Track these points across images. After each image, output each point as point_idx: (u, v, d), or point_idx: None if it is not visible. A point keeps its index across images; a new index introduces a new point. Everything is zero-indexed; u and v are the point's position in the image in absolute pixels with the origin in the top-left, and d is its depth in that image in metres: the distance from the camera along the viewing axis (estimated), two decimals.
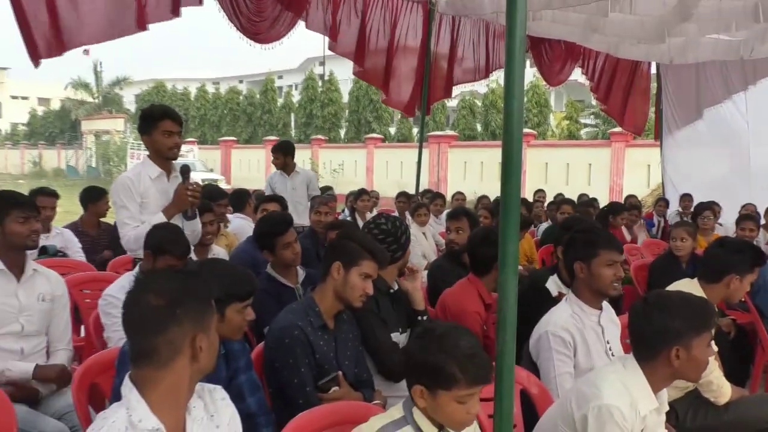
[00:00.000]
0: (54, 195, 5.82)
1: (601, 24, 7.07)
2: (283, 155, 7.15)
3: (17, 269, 3.24)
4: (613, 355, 3.05)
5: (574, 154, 20.55)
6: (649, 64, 9.87)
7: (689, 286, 3.46)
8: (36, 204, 3.49)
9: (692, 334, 2.30)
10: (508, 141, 2.03)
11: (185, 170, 4.01)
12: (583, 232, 3.39)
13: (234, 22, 5.43)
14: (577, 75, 9.19)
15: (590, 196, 9.91)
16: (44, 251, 5.20)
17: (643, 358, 2.37)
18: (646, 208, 10.82)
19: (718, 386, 3.28)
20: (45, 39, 4.56)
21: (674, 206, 9.80)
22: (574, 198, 8.91)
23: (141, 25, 4.82)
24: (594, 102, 25.85)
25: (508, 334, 2.03)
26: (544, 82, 9.18)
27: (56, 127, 47.90)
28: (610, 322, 3.19)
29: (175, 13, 4.98)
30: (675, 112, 10.13)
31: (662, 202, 9.81)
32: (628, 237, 7.54)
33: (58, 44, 4.60)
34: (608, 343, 3.10)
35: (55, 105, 54.33)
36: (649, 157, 16.43)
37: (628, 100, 9.66)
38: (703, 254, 3.90)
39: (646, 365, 2.36)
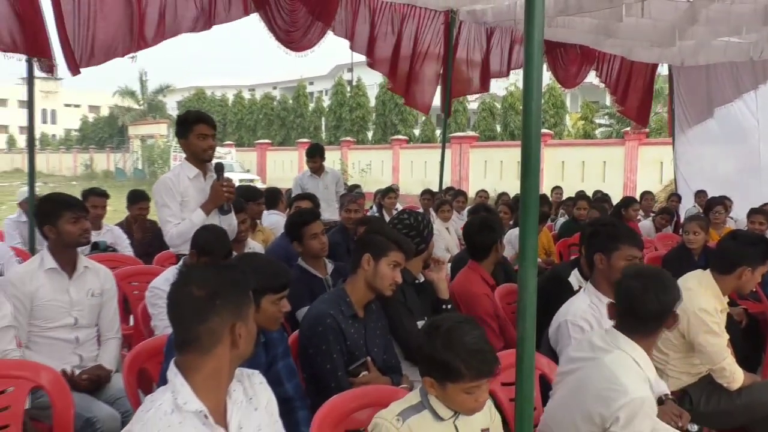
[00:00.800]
0: (104, 195, 5.91)
1: (614, 28, 6.97)
2: (321, 158, 7.19)
3: (69, 267, 3.29)
4: None
5: (589, 152, 20.33)
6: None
7: (702, 276, 3.40)
8: (85, 205, 3.54)
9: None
10: (527, 140, 2.01)
11: (219, 168, 4.07)
12: (606, 225, 3.35)
13: (272, 33, 5.55)
14: (592, 77, 9.08)
15: (605, 193, 9.80)
16: (96, 247, 5.29)
17: (635, 331, 2.37)
18: (659, 203, 10.67)
19: (731, 372, 3.22)
20: (83, 50, 4.65)
21: (686, 201, 9.64)
22: (590, 194, 8.85)
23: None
24: (608, 103, 25.63)
25: (528, 322, 2.02)
26: (560, 85, 9.07)
27: (105, 132, 48.52)
28: None
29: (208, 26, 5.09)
30: (687, 112, 9.95)
31: (674, 197, 9.66)
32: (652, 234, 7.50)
33: (93, 56, 4.70)
34: None
35: (104, 112, 55.06)
36: (662, 155, 16.20)
37: (641, 98, 9.52)
38: (716, 246, 3.83)
39: (640, 338, 2.36)
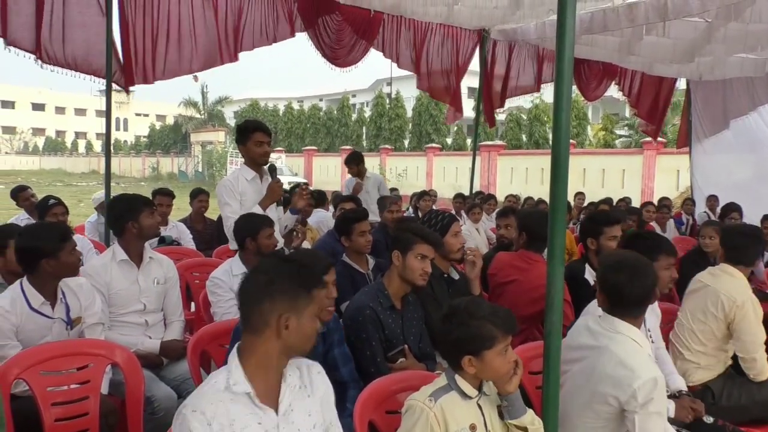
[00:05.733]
0: (171, 195, 6.05)
1: (636, 46, 6.83)
2: (356, 165, 7.21)
3: (137, 258, 3.37)
4: (653, 341, 2.95)
5: (609, 161, 19.95)
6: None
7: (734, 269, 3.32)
8: (154, 201, 3.63)
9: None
10: (556, 149, 1.99)
11: (273, 169, 4.18)
12: (645, 237, 3.25)
13: (319, 50, 5.59)
14: (612, 91, 8.92)
15: (626, 197, 9.66)
16: (162, 240, 5.41)
17: (627, 315, 2.35)
18: (675, 209, 10.41)
19: (762, 365, 3.13)
20: (141, 69, 4.80)
21: (701, 207, 9.42)
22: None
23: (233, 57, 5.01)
24: (628, 114, 25.12)
25: (556, 315, 2.00)
26: (583, 98, 8.92)
27: (170, 138, 49.35)
28: (651, 312, 3.07)
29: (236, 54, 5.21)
30: (703, 123, 9.67)
31: (689, 202, 9.43)
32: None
33: (152, 74, 4.84)
34: (649, 330, 2.98)
35: (170, 120, 56.19)
36: (679, 163, 15.79)
37: (659, 110, 9.31)
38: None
39: (632, 320, 2.35)
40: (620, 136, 25.88)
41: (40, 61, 4.35)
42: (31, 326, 2.78)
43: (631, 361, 2.22)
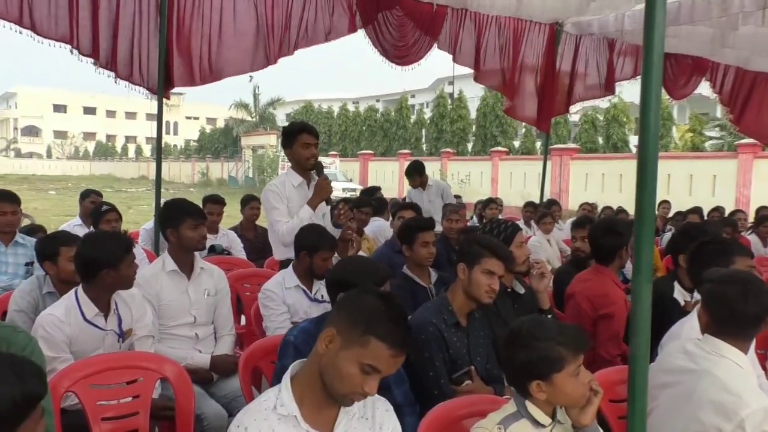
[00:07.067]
0: (221, 202, 6.19)
1: (730, 38, 6.57)
2: (419, 176, 7.20)
3: (187, 269, 3.44)
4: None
5: (698, 165, 19.21)
6: None
7: None
8: (204, 213, 3.70)
9: None
10: (643, 152, 1.93)
11: (319, 166, 4.18)
12: (713, 243, 3.15)
13: (377, 48, 5.61)
14: (702, 88, 8.58)
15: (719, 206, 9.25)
16: (212, 250, 5.54)
17: (734, 337, 2.23)
18: None
19: None
20: (189, 70, 4.94)
21: None
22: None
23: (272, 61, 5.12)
24: (719, 114, 24.17)
25: (642, 338, 1.93)
26: (668, 96, 8.63)
27: (221, 142, 50.68)
28: None
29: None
30: None
31: None
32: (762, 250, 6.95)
33: (200, 76, 4.96)
34: None
35: (220, 124, 57.87)
36: None
37: (759, 111, 8.87)
38: None
39: (740, 344, 2.23)
40: (710, 138, 24.93)
41: (99, 67, 4.54)
42: (84, 338, 2.88)
43: (738, 386, 2.12)
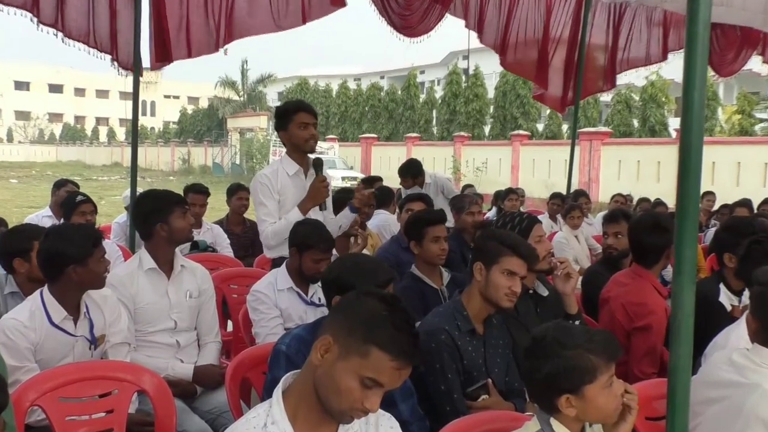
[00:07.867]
0: (205, 192, 6.18)
1: None
2: (413, 178, 7.18)
3: (167, 266, 3.45)
4: None
5: (747, 151, 19.15)
6: None
7: None
8: (186, 199, 3.72)
9: None
10: (686, 136, 1.93)
11: (318, 163, 4.16)
12: (764, 239, 3.16)
13: (384, 17, 5.58)
14: (752, 64, 8.53)
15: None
16: (195, 246, 5.55)
17: None
18: None
19: None
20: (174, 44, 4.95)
21: None
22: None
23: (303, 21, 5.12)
24: None
25: (683, 347, 1.94)
26: (712, 73, 8.58)
27: (204, 125, 50.76)
28: None
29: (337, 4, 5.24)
30: None
31: None
32: None
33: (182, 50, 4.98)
34: None
35: (203, 104, 57.97)
36: None
37: None
38: None
39: None
40: (761, 121, 24.84)
41: (63, 36, 4.55)
42: (51, 344, 2.89)
43: None
